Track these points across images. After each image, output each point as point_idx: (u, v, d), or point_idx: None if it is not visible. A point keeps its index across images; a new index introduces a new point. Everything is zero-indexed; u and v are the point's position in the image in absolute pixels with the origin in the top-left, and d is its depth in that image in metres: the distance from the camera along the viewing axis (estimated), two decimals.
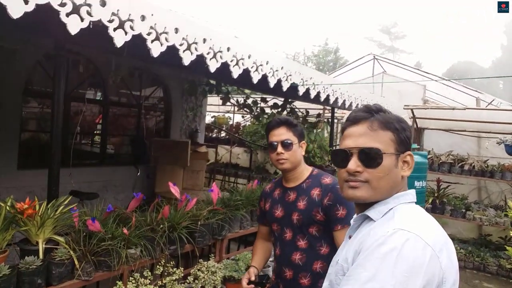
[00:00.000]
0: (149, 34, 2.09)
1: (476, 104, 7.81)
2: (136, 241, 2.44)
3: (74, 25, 1.76)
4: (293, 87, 3.53)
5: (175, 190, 2.78)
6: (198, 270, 2.87)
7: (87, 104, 5.77)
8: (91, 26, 1.83)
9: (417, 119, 6.89)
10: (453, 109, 6.08)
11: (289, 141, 2.02)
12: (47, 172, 2.50)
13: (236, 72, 2.72)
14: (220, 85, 5.98)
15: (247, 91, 6.50)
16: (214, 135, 9.55)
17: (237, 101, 6.47)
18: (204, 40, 2.42)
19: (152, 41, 2.12)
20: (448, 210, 6.15)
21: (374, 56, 10.15)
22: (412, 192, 1.18)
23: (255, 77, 2.93)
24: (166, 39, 2.17)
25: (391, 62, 10.57)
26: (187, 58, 2.32)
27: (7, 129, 4.63)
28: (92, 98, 6.10)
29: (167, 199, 3.00)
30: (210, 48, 2.47)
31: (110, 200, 5.35)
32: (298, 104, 6.18)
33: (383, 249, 0.97)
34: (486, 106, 7.94)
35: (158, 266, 2.59)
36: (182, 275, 2.70)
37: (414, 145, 5.74)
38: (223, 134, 9.68)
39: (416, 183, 4.76)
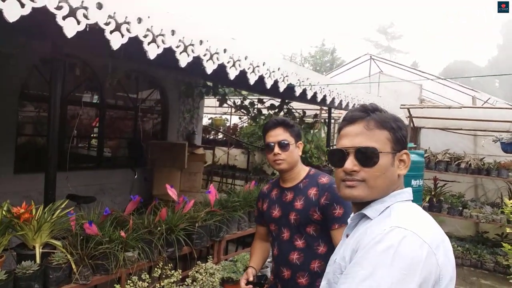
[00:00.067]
0: (145, 36, 2.09)
1: (472, 103, 7.85)
2: (133, 244, 2.44)
3: (70, 28, 1.76)
4: (290, 88, 3.53)
5: (172, 192, 2.78)
6: (196, 272, 2.86)
7: (84, 107, 5.76)
8: (87, 29, 1.82)
9: (413, 118, 6.91)
10: (449, 108, 6.10)
11: (286, 142, 2.02)
12: (43, 176, 2.49)
13: (232, 73, 2.72)
14: (217, 86, 5.98)
15: (244, 92, 6.50)
16: (211, 137, 9.54)
17: (234, 102, 6.47)
18: (201, 42, 2.43)
19: (149, 44, 2.11)
20: (445, 208, 6.17)
21: (370, 56, 10.18)
22: (409, 190, 1.19)
23: (252, 78, 2.93)
24: (163, 41, 2.17)
25: (388, 62, 10.60)
26: (183, 60, 2.32)
27: (3, 133, 4.61)
28: (88, 101, 6.10)
29: (164, 202, 3.00)
30: (206, 49, 2.48)
31: (108, 204, 5.30)
32: (295, 104, 6.19)
33: (380, 247, 0.97)
34: (482, 105, 7.97)
35: (156, 269, 2.58)
36: (180, 277, 2.70)
37: (411, 144, 5.76)
38: (220, 135, 9.68)
39: (413, 182, 4.77)
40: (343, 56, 36.24)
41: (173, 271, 2.64)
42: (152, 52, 2.13)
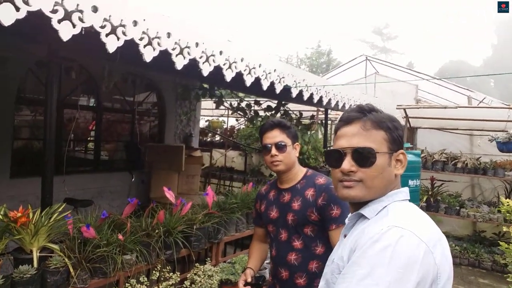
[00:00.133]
0: (141, 39, 2.09)
1: (467, 103, 7.89)
2: (131, 246, 2.43)
3: (66, 32, 1.76)
4: (286, 89, 3.54)
5: (170, 195, 2.78)
6: (195, 274, 2.86)
7: (81, 111, 5.74)
8: (83, 32, 1.82)
9: (410, 119, 6.94)
10: (445, 108, 6.13)
11: (282, 143, 2.03)
12: (40, 180, 2.49)
13: (229, 75, 2.73)
14: (213, 88, 5.98)
15: (241, 94, 6.51)
16: (209, 139, 9.54)
17: (230, 104, 6.48)
18: (197, 44, 2.43)
19: (145, 46, 2.12)
20: (443, 208, 6.20)
21: (366, 57, 10.22)
22: (406, 190, 1.20)
23: (248, 80, 2.94)
24: (159, 44, 2.18)
25: (383, 62, 10.65)
26: (179, 63, 2.33)
27: None
28: (85, 104, 6.08)
29: (162, 204, 2.99)
30: (202, 52, 2.48)
31: (105, 207, 5.31)
32: (291, 106, 6.20)
33: (377, 246, 0.98)
34: (478, 105, 8.01)
35: (154, 272, 2.58)
36: (179, 279, 2.69)
37: (408, 144, 5.78)
38: (217, 138, 9.68)
39: (410, 182, 4.79)
40: (339, 57, 36.38)
41: (171, 274, 2.63)
42: (148, 55, 2.13)
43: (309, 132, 6.43)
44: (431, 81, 9.12)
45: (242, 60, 2.82)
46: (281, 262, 2.01)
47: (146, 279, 2.48)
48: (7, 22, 1.57)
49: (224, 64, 2.66)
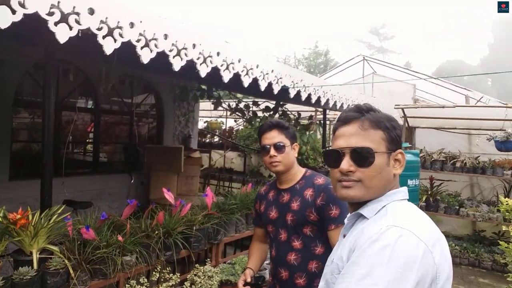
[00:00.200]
0: (138, 41, 2.09)
1: (465, 102, 7.90)
2: (131, 248, 2.43)
3: (62, 34, 1.76)
4: (284, 90, 3.54)
5: (169, 196, 2.78)
6: (195, 275, 2.86)
7: (79, 113, 5.74)
8: (80, 35, 1.82)
9: (408, 118, 6.95)
10: (443, 107, 6.14)
11: (281, 144, 2.03)
12: (39, 183, 2.49)
13: (226, 76, 2.73)
14: (212, 90, 5.98)
15: (239, 95, 6.51)
16: (207, 140, 9.55)
17: (228, 105, 6.48)
18: (194, 46, 2.43)
19: (142, 48, 2.12)
20: (442, 207, 6.20)
21: (363, 57, 10.23)
22: (404, 189, 1.20)
23: (246, 81, 2.94)
24: (156, 46, 2.18)
25: (381, 62, 10.66)
26: (177, 64, 2.33)
27: None
28: (83, 106, 6.08)
29: (161, 205, 3.00)
30: (200, 53, 2.48)
31: (104, 209, 5.31)
32: (290, 106, 6.21)
33: (376, 246, 0.98)
34: (475, 104, 8.03)
35: (154, 273, 2.58)
36: (179, 280, 2.70)
37: (406, 144, 5.79)
38: (216, 139, 9.68)
39: (409, 182, 4.79)
40: (336, 58, 36.41)
41: (171, 275, 2.63)
42: (146, 56, 2.13)
43: (307, 133, 6.43)
44: (429, 81, 9.13)
45: (239, 61, 2.82)
46: (280, 262, 2.01)
47: (146, 280, 2.48)
48: (3, 25, 1.57)
49: (221, 65, 2.67)
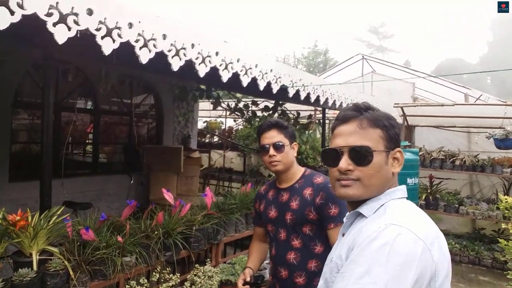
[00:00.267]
0: (137, 41, 2.09)
1: (464, 100, 7.91)
2: (131, 248, 2.43)
3: (61, 35, 1.75)
4: (283, 89, 3.54)
5: (168, 196, 2.78)
6: (195, 275, 2.86)
7: (78, 114, 5.74)
8: (78, 35, 1.82)
9: (407, 117, 6.95)
10: (442, 105, 6.15)
11: (280, 143, 2.04)
12: (39, 184, 2.49)
13: (225, 76, 2.73)
14: (211, 90, 5.98)
15: (238, 95, 6.51)
16: (207, 140, 9.54)
17: (228, 105, 6.48)
18: (193, 45, 2.43)
19: (140, 48, 2.12)
20: (442, 205, 6.21)
21: (363, 56, 10.23)
22: (403, 187, 1.20)
23: (245, 81, 2.94)
24: (154, 46, 2.18)
25: (380, 61, 10.67)
26: (176, 64, 2.33)
27: None
28: (82, 107, 6.08)
29: (161, 206, 3.00)
30: (198, 53, 2.48)
31: (104, 209, 5.30)
32: (289, 106, 6.21)
33: (375, 244, 0.98)
34: (474, 102, 8.03)
35: (154, 273, 2.58)
36: (179, 281, 2.70)
37: (405, 143, 5.78)
38: (216, 139, 9.68)
39: (409, 180, 4.79)
40: (336, 57, 36.40)
41: (171, 275, 2.64)
42: (144, 56, 2.13)
43: (307, 132, 6.43)
44: (428, 79, 9.14)
45: (238, 61, 2.82)
46: (280, 261, 2.02)
47: (146, 280, 2.49)
48: (1, 26, 1.57)
49: (220, 65, 2.66)
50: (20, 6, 1.61)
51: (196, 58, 2.47)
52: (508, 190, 6.51)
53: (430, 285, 0.99)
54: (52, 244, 2.25)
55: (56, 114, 5.15)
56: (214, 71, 2.65)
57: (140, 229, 2.64)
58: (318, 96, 4.12)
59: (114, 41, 1.97)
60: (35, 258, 2.12)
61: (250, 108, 6.12)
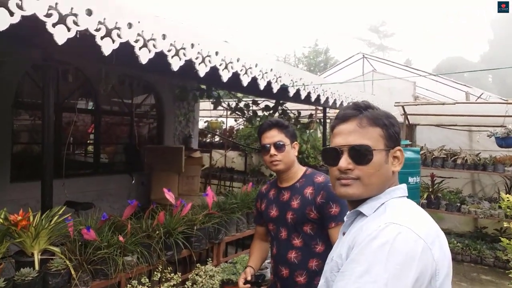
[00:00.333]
0: (136, 41, 2.09)
1: (465, 99, 7.90)
2: (132, 248, 2.44)
3: (60, 35, 1.76)
4: (284, 89, 3.54)
5: (170, 196, 2.78)
6: (196, 274, 2.86)
7: (79, 114, 5.75)
8: (78, 36, 1.82)
9: (408, 116, 6.94)
10: (443, 104, 6.13)
11: (281, 143, 2.04)
12: (40, 184, 2.49)
13: (225, 75, 2.73)
14: (211, 89, 5.99)
15: (239, 94, 6.52)
16: (208, 140, 9.55)
17: (228, 105, 6.49)
18: (192, 45, 2.43)
19: (140, 48, 2.12)
20: (443, 204, 6.19)
21: (363, 55, 10.22)
22: (403, 186, 1.19)
23: (245, 80, 2.94)
24: (154, 46, 2.18)
25: (381, 60, 10.65)
26: (176, 64, 2.33)
27: None
28: (83, 108, 6.09)
29: (162, 206, 3.00)
30: (198, 53, 2.48)
31: (106, 209, 5.31)
32: (289, 105, 6.21)
33: (375, 243, 0.98)
34: (476, 100, 8.02)
35: (155, 273, 2.58)
36: (180, 280, 2.70)
37: (406, 141, 5.78)
38: (217, 138, 9.68)
39: (410, 179, 4.79)
40: (336, 56, 36.38)
41: (172, 275, 2.64)
42: (144, 56, 2.13)
43: (308, 131, 6.43)
44: (429, 78, 9.11)
45: (238, 60, 2.82)
46: (281, 260, 2.02)
47: (147, 280, 2.49)
48: (1, 27, 1.57)
49: (220, 65, 2.66)
50: (20, 7, 1.61)
51: (196, 58, 2.47)
52: (510, 188, 6.49)
53: (430, 284, 0.99)
54: (54, 244, 2.26)
55: (57, 114, 5.16)
56: (214, 71, 2.65)
57: (142, 229, 2.65)
58: (318, 95, 4.12)
59: (113, 41, 1.97)
60: (36, 257, 2.12)
61: (250, 108, 6.13)
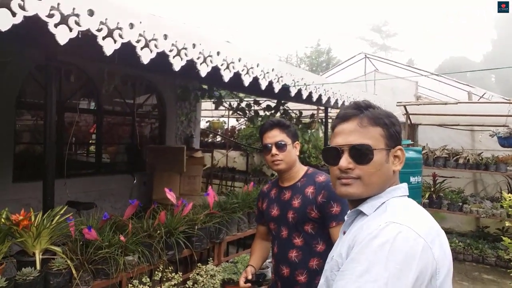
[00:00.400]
0: (138, 41, 2.10)
1: (468, 98, 7.87)
2: (133, 247, 2.45)
3: (62, 36, 1.76)
4: (285, 89, 3.54)
5: (171, 196, 2.79)
6: (197, 274, 2.87)
7: (81, 114, 5.76)
8: (80, 36, 1.83)
9: (410, 115, 6.93)
10: (445, 103, 6.12)
11: (283, 142, 2.05)
12: (42, 184, 2.50)
13: (227, 75, 2.73)
14: (213, 89, 5.99)
15: (240, 94, 6.52)
16: (210, 140, 9.56)
17: (230, 104, 6.49)
18: (194, 45, 2.43)
19: (142, 48, 2.12)
20: (445, 204, 6.18)
21: (365, 55, 10.21)
22: (404, 185, 1.19)
23: (246, 80, 2.94)
24: (156, 46, 2.18)
25: (383, 60, 10.65)
26: (177, 64, 2.33)
27: (1, 142, 4.61)
28: (85, 108, 6.10)
29: (164, 205, 3.01)
30: (200, 53, 2.49)
31: (107, 209, 5.32)
32: (291, 105, 6.21)
33: (375, 242, 0.98)
34: (478, 100, 8.00)
35: (156, 272, 2.59)
36: (181, 279, 2.70)
37: (408, 141, 5.77)
38: (218, 138, 9.69)
39: (412, 179, 4.78)
40: (338, 56, 36.31)
41: (173, 274, 2.64)
42: (146, 57, 2.14)
43: (309, 131, 6.43)
44: (431, 78, 9.09)
45: (239, 60, 2.83)
46: (282, 259, 2.02)
47: (148, 279, 2.49)
48: (3, 27, 1.58)
49: (221, 65, 2.67)
50: (22, 7, 1.62)
51: (198, 58, 2.48)
52: None
53: (431, 283, 0.99)
54: (55, 244, 2.27)
55: (59, 114, 5.18)
56: (215, 71, 2.66)
57: (143, 229, 2.65)
58: (320, 95, 4.12)
59: (115, 41, 1.98)
60: (38, 257, 2.13)
61: (252, 108, 6.13)
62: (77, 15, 1.81)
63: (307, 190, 2.00)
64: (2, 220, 2.12)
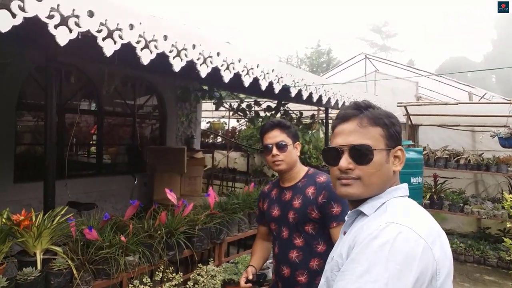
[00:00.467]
0: (138, 42, 2.10)
1: (468, 99, 7.87)
2: (134, 248, 2.45)
3: (62, 37, 1.77)
4: (286, 89, 3.54)
5: (172, 196, 2.79)
6: (198, 274, 2.87)
7: (82, 115, 5.78)
8: (79, 37, 1.83)
9: (411, 116, 6.93)
10: (446, 104, 6.12)
11: (283, 143, 2.05)
12: (43, 185, 2.50)
13: (227, 76, 2.74)
14: (213, 90, 6.00)
15: (241, 95, 6.52)
16: (210, 141, 9.56)
17: (230, 105, 6.50)
18: (194, 46, 2.44)
19: (142, 49, 2.13)
20: (446, 205, 6.17)
21: (365, 56, 10.21)
22: (405, 186, 1.19)
23: (246, 81, 2.94)
24: (156, 47, 2.18)
25: (383, 60, 10.64)
26: (177, 65, 2.34)
27: (2, 143, 4.62)
28: (86, 109, 6.11)
29: (164, 206, 3.01)
30: (200, 53, 2.49)
31: (108, 210, 5.30)
32: (291, 106, 6.21)
33: (376, 243, 0.97)
34: (479, 100, 7.99)
35: (157, 272, 2.59)
36: (182, 280, 2.70)
37: (409, 142, 5.77)
38: (219, 139, 9.70)
39: (413, 180, 4.77)
40: (339, 56, 36.33)
41: (174, 274, 2.64)
42: (146, 57, 2.14)
43: (310, 132, 6.43)
44: (432, 78, 9.09)
45: (239, 61, 2.83)
46: (282, 260, 2.03)
47: (149, 280, 2.49)
48: (4, 29, 1.58)
49: (221, 65, 2.67)
50: (22, 8, 1.62)
51: (198, 59, 2.48)
52: None
53: (431, 284, 0.99)
54: (56, 244, 2.27)
55: (60, 115, 5.19)
56: (215, 71, 2.66)
57: (143, 229, 2.65)
58: (320, 96, 4.12)
59: (115, 42, 1.98)
60: (39, 257, 2.13)
61: (252, 109, 6.13)
62: (77, 16, 1.81)
63: (308, 190, 2.00)
64: (3, 220, 2.13)
